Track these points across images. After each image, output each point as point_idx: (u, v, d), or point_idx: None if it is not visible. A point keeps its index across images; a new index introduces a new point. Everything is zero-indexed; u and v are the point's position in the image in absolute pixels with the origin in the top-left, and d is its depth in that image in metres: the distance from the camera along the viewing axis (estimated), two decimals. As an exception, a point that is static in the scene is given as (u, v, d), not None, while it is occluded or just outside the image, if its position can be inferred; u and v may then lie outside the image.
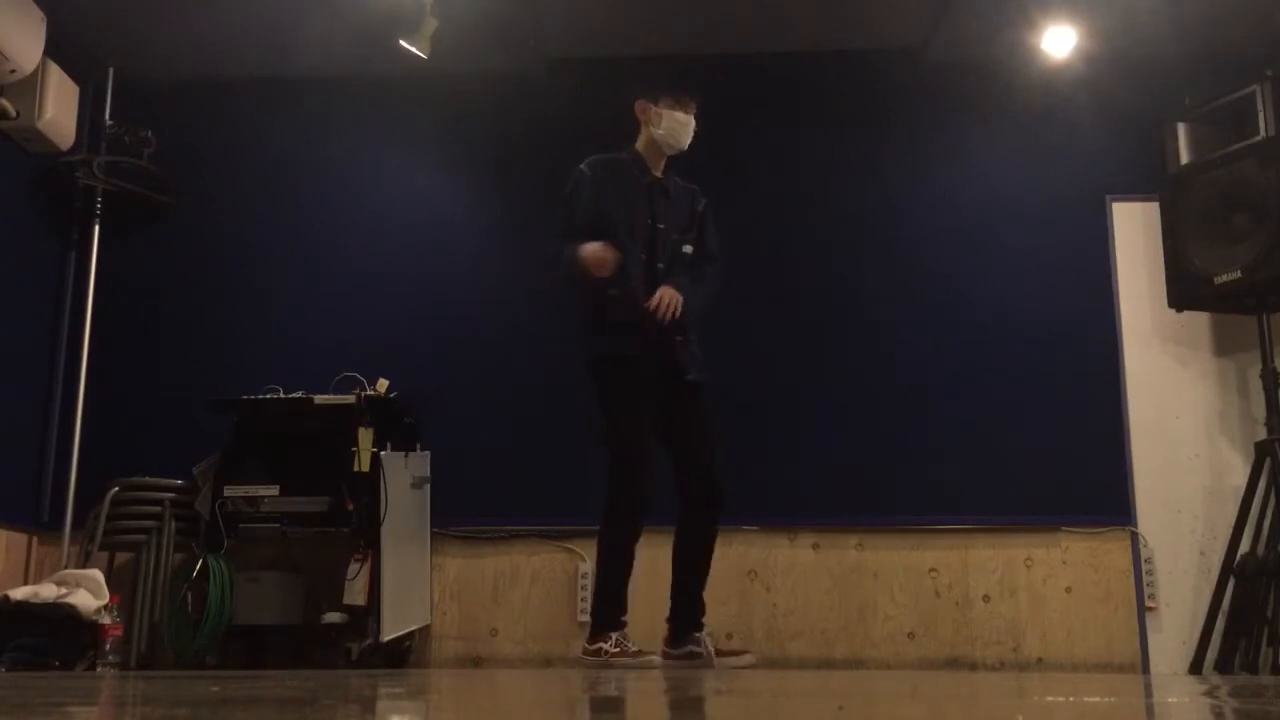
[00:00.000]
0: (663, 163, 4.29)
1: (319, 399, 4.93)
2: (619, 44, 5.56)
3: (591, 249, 4.04)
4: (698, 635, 4.17)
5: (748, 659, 4.30)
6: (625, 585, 4.16)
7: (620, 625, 4.12)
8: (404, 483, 4.96)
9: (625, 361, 4.12)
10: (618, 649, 4.07)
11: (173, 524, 4.97)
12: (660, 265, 4.19)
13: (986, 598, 5.14)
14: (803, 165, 5.55)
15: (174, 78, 5.69)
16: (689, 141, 4.25)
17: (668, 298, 4.08)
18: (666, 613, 4.24)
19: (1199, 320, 5.32)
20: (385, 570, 4.70)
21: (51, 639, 4.51)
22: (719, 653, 4.21)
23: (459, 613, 5.21)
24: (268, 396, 5.00)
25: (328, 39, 5.33)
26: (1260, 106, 4.84)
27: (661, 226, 4.22)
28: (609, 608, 4.14)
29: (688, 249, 4.27)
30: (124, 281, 5.57)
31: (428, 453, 5.15)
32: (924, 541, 5.19)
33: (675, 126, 4.22)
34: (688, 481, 4.20)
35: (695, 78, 4.61)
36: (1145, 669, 5.03)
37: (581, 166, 4.26)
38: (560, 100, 5.64)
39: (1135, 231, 5.44)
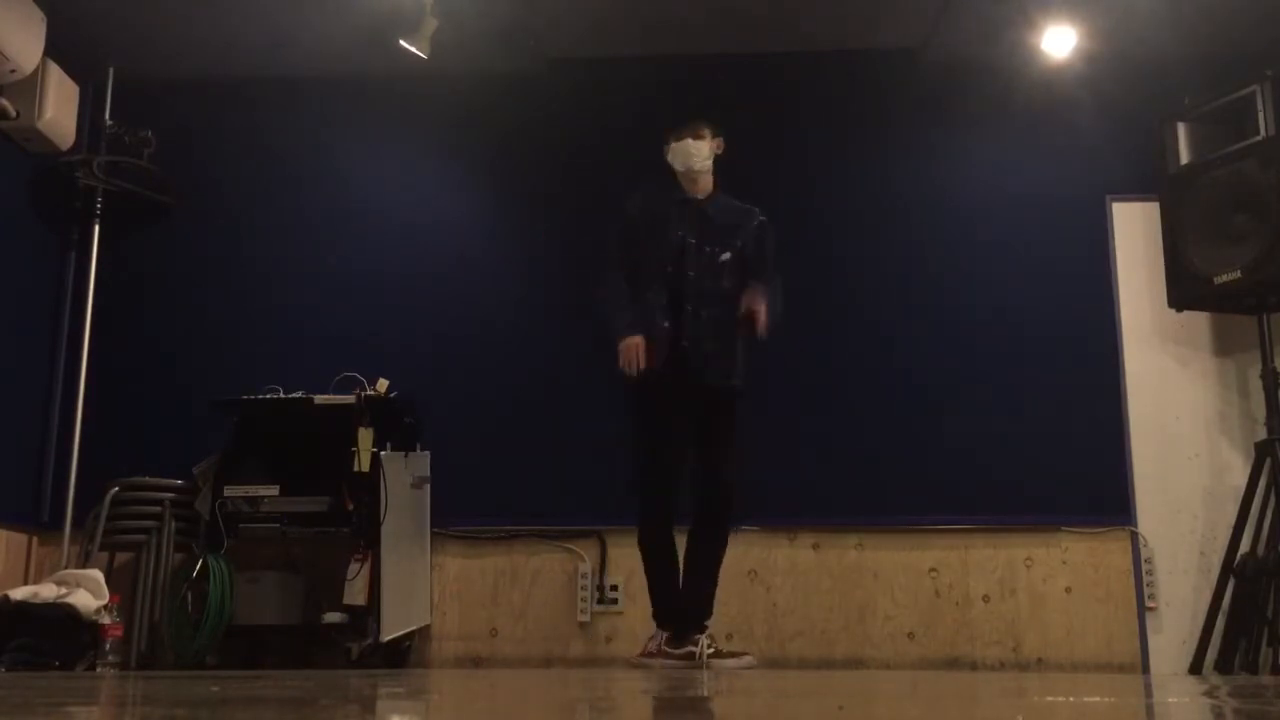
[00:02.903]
0: (696, 185, 4.52)
1: (319, 399, 4.93)
2: (619, 44, 5.56)
3: (628, 346, 4.25)
4: (697, 637, 4.21)
5: (748, 660, 4.33)
6: (663, 584, 4.32)
7: (664, 624, 4.29)
8: (404, 483, 4.96)
9: (649, 377, 4.24)
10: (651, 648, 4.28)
11: (173, 524, 4.96)
12: (690, 274, 4.37)
13: (986, 598, 5.14)
14: (803, 165, 5.55)
15: (174, 78, 5.68)
16: (695, 162, 4.49)
17: (760, 310, 4.28)
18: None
19: (1199, 320, 5.32)
20: (385, 570, 4.70)
21: (51, 639, 4.50)
22: (719, 654, 4.24)
23: (459, 613, 5.21)
24: (268, 396, 5.00)
25: (328, 39, 5.33)
26: (1260, 106, 4.83)
27: (693, 241, 4.41)
28: (654, 605, 4.37)
29: (726, 256, 4.43)
30: (124, 281, 5.57)
31: (428, 453, 5.15)
32: (924, 541, 5.19)
33: (675, 154, 4.51)
34: (696, 486, 4.35)
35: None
36: (1145, 669, 5.03)
37: (625, 203, 4.55)
38: (560, 100, 5.64)
39: (1135, 231, 5.43)
